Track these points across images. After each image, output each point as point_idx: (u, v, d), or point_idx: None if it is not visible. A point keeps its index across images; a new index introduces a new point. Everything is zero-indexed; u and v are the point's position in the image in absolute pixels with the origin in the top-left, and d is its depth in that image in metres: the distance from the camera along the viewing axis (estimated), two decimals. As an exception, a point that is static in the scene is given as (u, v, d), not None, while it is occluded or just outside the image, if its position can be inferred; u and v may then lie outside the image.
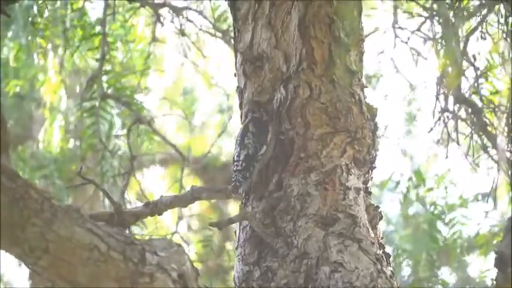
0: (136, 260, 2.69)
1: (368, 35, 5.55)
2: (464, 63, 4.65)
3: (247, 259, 3.45)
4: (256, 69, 3.75)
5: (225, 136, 7.58)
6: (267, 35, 3.75)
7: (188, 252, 2.92)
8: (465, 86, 4.73)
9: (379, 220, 3.64)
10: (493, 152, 4.63)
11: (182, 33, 6.57)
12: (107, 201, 6.65)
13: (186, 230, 7.88)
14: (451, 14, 4.29)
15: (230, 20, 6.00)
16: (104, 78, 5.86)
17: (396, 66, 6.20)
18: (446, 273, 6.42)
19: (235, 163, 3.64)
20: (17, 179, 2.65)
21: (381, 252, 3.34)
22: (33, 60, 6.21)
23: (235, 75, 3.90)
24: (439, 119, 4.76)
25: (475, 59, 4.68)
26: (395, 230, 6.79)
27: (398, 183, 6.69)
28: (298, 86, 3.61)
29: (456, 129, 4.73)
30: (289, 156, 3.56)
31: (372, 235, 3.41)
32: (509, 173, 4.21)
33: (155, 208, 3.69)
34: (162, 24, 6.14)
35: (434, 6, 4.58)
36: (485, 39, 4.47)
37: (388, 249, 3.70)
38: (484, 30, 4.46)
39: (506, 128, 4.16)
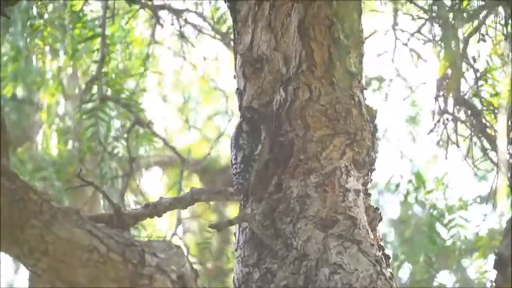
0: (136, 262, 2.70)
1: (368, 37, 5.56)
2: (464, 65, 4.65)
3: (247, 261, 3.45)
4: (256, 71, 3.75)
5: (224, 138, 7.58)
6: (267, 37, 3.75)
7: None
8: (465, 88, 4.73)
9: (379, 222, 3.64)
10: (492, 154, 4.63)
11: (182, 35, 6.57)
12: (104, 204, 6.68)
13: (183, 233, 7.87)
14: (451, 16, 4.29)
15: (230, 22, 6.02)
16: (104, 80, 5.85)
17: (396, 68, 6.21)
18: (445, 276, 6.43)
19: (233, 166, 3.64)
20: (17, 180, 2.65)
21: (380, 253, 3.34)
22: (31, 63, 6.20)
23: (234, 77, 3.90)
24: (439, 121, 4.75)
25: (474, 61, 4.68)
26: (395, 232, 6.79)
27: (398, 185, 6.69)
28: (297, 88, 3.61)
29: (456, 131, 4.72)
30: (289, 158, 3.56)
31: (372, 237, 3.41)
32: (509, 175, 4.21)
33: (155, 210, 3.69)
34: (162, 26, 6.14)
35: (434, 8, 4.58)
36: (485, 41, 4.47)
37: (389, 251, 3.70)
38: (483, 33, 4.46)
39: (506, 130, 4.15)
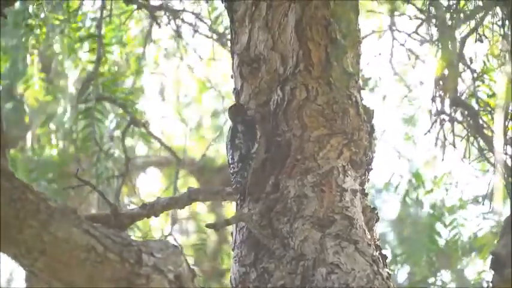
0: (133, 261, 2.70)
1: (365, 37, 5.56)
2: (461, 66, 4.65)
3: (244, 260, 3.45)
4: (253, 71, 3.76)
5: (221, 138, 7.58)
6: (264, 36, 3.75)
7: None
8: (461, 88, 4.73)
9: (376, 222, 3.65)
10: (489, 154, 4.63)
11: (179, 35, 6.56)
12: (98, 204, 6.67)
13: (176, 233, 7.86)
14: (448, 16, 4.29)
15: (226, 23, 6.02)
16: (100, 80, 5.84)
17: (393, 68, 6.21)
18: (443, 276, 6.43)
19: (231, 166, 3.64)
20: (14, 180, 2.65)
21: (377, 253, 3.34)
22: (23, 63, 6.19)
23: (232, 77, 3.90)
24: (436, 121, 4.75)
25: (471, 62, 4.68)
26: (394, 232, 6.80)
27: (397, 186, 6.70)
28: (295, 88, 3.62)
29: (453, 132, 4.72)
30: (286, 157, 3.56)
31: (369, 237, 3.41)
32: (506, 175, 4.21)
33: (152, 210, 3.68)
34: (159, 26, 6.13)
35: (431, 8, 4.58)
36: (482, 41, 4.47)
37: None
38: (480, 33, 4.46)
39: (503, 130, 4.15)
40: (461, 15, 4.30)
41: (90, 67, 6.01)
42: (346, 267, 3.19)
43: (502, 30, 4.33)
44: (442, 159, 4.81)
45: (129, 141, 6.65)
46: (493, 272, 2.83)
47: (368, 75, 6.55)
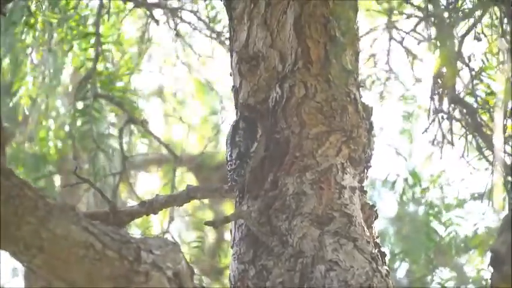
0: (132, 259, 2.69)
1: (363, 35, 5.55)
2: (459, 64, 4.65)
3: (243, 258, 3.45)
4: (252, 69, 3.76)
5: (219, 136, 7.58)
6: (263, 34, 3.75)
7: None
8: (460, 86, 4.73)
9: (375, 219, 3.65)
10: (487, 152, 4.63)
11: (177, 33, 6.55)
12: (95, 201, 6.65)
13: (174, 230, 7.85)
14: (446, 14, 4.29)
15: (224, 21, 6.01)
16: (97, 78, 5.83)
17: (390, 66, 6.20)
18: (442, 273, 6.42)
19: (228, 163, 3.65)
20: (12, 177, 2.65)
21: (376, 251, 3.34)
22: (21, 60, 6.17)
23: (230, 75, 3.90)
24: (434, 119, 4.75)
25: (470, 60, 4.68)
26: (391, 230, 6.79)
27: (394, 183, 6.69)
28: (293, 85, 3.62)
29: (451, 130, 4.72)
30: (285, 155, 3.56)
31: (368, 234, 3.41)
32: (505, 173, 4.21)
33: (150, 207, 3.68)
34: (157, 23, 6.12)
35: (429, 6, 4.58)
36: (480, 40, 4.47)
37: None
38: (479, 31, 4.46)
39: (502, 128, 4.16)
40: (460, 13, 4.30)
41: (89, 65, 5.99)
42: (345, 265, 3.19)
43: (500, 28, 4.33)
44: (440, 158, 4.80)
45: (129, 140, 6.62)
46: (492, 269, 2.83)
47: (366, 73, 6.54)
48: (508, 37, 4.23)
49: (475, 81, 4.69)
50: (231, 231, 3.66)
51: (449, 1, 4.29)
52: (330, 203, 3.42)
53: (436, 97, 4.73)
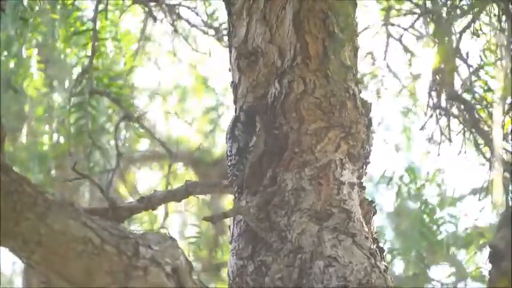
0: (130, 254, 2.69)
1: (360, 32, 5.54)
2: (457, 61, 4.65)
3: (241, 253, 3.45)
4: (251, 64, 3.75)
5: (217, 131, 7.59)
6: (262, 29, 3.75)
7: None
8: (458, 83, 4.73)
9: (373, 215, 3.65)
10: (485, 149, 4.63)
11: (175, 29, 6.55)
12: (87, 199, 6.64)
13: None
14: (444, 11, 4.29)
15: (222, 18, 6.00)
16: (94, 74, 5.82)
17: (388, 63, 6.20)
18: (438, 270, 6.44)
19: (228, 158, 3.65)
20: (11, 172, 2.64)
21: (374, 246, 3.34)
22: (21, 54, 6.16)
23: (229, 70, 3.90)
24: (431, 116, 4.75)
25: (467, 56, 4.68)
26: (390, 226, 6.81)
27: (391, 179, 6.69)
28: (292, 81, 3.62)
29: (448, 126, 4.72)
30: (284, 150, 3.56)
31: (366, 230, 3.41)
32: (504, 169, 4.22)
33: (149, 203, 3.68)
34: (155, 20, 6.11)
35: (427, 3, 4.58)
36: (478, 36, 4.47)
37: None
38: (477, 28, 4.46)
39: (500, 125, 4.16)
40: (458, 10, 4.30)
41: (85, 61, 5.98)
42: (344, 260, 3.19)
43: (498, 25, 4.33)
44: (438, 154, 4.80)
45: (128, 136, 6.63)
46: (490, 265, 2.83)
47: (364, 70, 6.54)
48: (506, 33, 4.23)
49: (473, 78, 4.69)
50: (229, 227, 3.65)
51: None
52: (329, 199, 3.42)
53: (434, 93, 4.74)
